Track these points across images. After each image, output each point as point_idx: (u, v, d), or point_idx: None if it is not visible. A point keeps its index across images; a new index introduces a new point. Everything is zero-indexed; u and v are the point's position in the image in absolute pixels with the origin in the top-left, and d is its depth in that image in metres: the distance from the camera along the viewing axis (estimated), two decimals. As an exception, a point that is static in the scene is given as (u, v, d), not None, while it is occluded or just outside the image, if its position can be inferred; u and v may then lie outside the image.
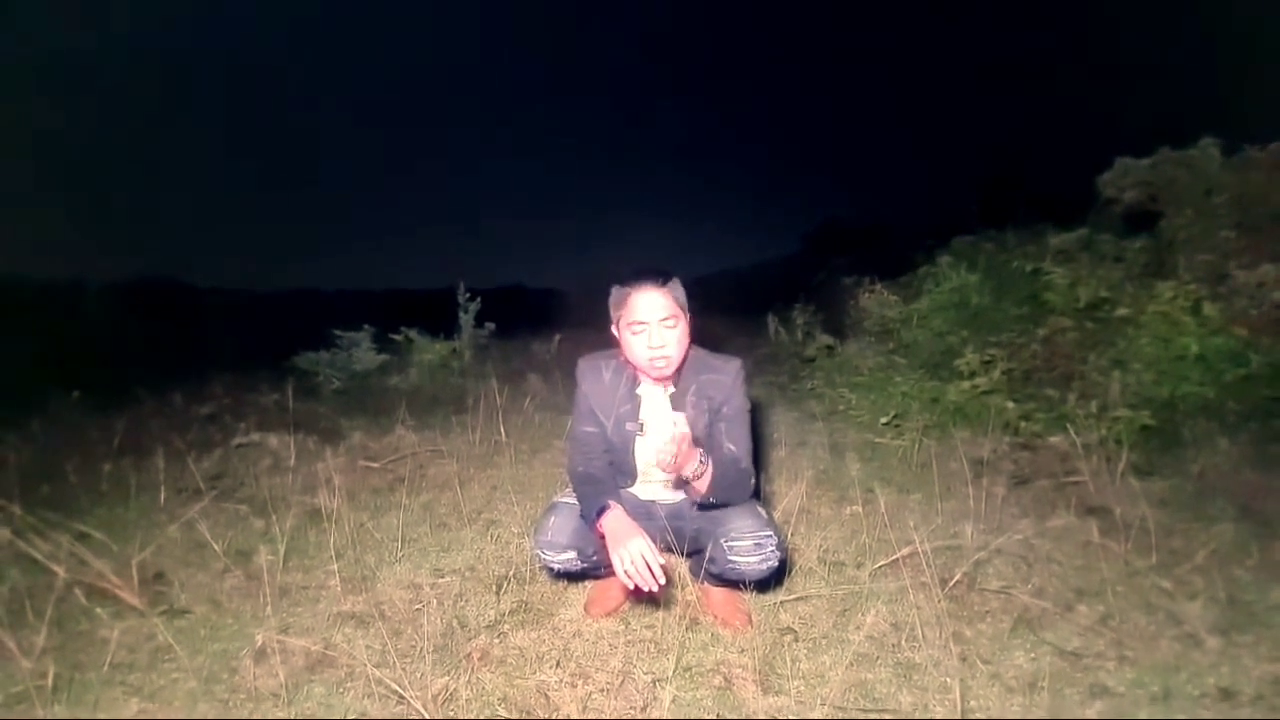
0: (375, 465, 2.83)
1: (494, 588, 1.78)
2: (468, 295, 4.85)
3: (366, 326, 4.77)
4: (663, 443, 1.28)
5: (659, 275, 1.45)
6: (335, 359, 4.66)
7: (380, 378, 4.60)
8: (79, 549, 1.82)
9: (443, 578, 1.87)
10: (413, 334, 4.70)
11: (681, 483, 1.47)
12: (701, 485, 1.41)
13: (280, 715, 1.33)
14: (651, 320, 1.43)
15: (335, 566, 1.88)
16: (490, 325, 4.96)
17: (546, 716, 1.31)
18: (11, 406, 3.53)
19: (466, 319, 4.85)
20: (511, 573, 1.84)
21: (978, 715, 1.29)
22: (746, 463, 1.48)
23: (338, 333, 4.74)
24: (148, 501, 2.48)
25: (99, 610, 1.71)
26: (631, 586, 1.28)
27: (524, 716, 1.31)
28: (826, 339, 4.01)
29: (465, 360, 4.77)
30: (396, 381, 4.50)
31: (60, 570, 1.67)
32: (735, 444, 1.47)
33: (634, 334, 1.44)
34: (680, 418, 1.49)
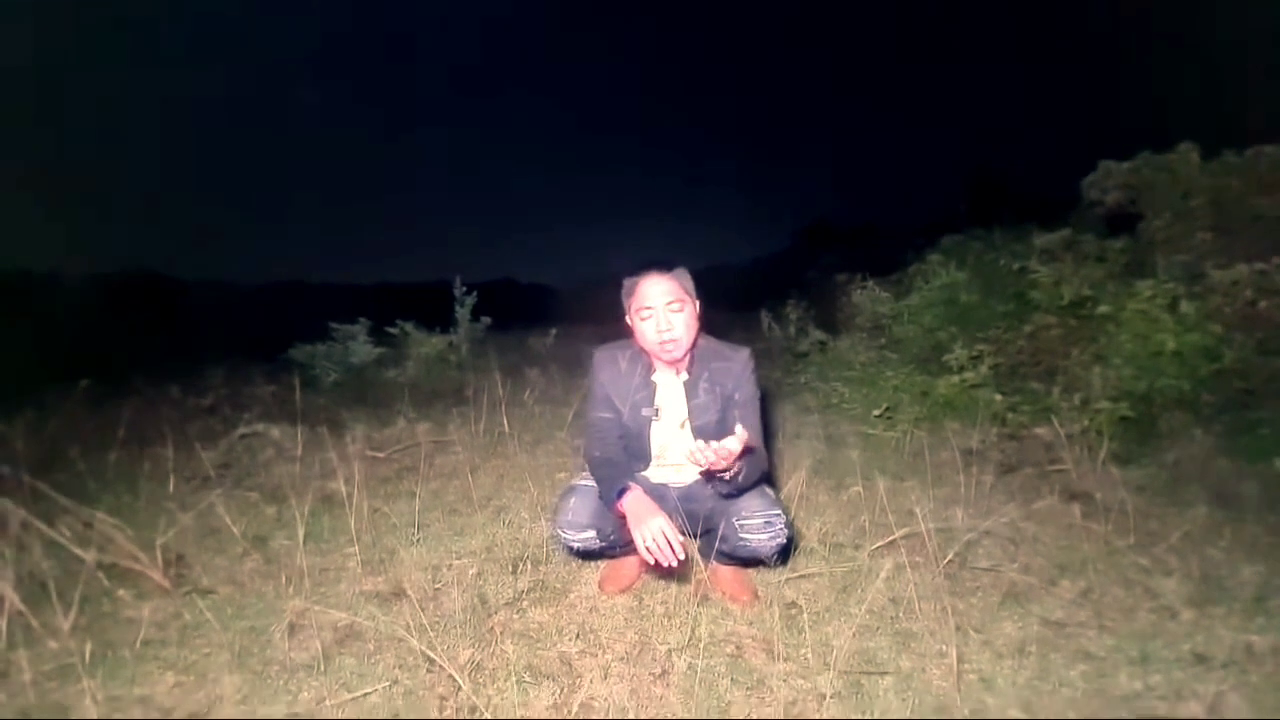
0: (381, 455, 2.88)
1: (510, 568, 1.85)
2: (464, 289, 4.88)
3: (362, 319, 4.78)
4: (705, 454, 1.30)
5: (664, 263, 1.56)
6: (331, 352, 4.66)
7: (377, 371, 4.62)
8: (99, 531, 1.86)
9: (460, 559, 1.93)
10: (409, 327, 4.72)
11: (712, 475, 1.45)
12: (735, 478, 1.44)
13: (315, 685, 1.39)
14: (658, 305, 1.53)
15: (354, 549, 1.94)
16: (486, 319, 4.99)
17: (569, 682, 1.38)
18: (10, 397, 3.52)
19: (463, 313, 4.87)
20: (527, 554, 1.91)
21: (971, 677, 1.39)
22: (761, 447, 1.56)
23: (333, 325, 4.74)
24: (156, 489, 2.51)
25: (122, 591, 1.75)
26: (652, 562, 1.35)
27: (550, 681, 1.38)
28: (819, 334, 4.11)
29: (462, 354, 4.80)
30: (394, 374, 4.52)
31: (87, 554, 1.71)
32: (749, 429, 1.53)
33: (643, 319, 1.55)
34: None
